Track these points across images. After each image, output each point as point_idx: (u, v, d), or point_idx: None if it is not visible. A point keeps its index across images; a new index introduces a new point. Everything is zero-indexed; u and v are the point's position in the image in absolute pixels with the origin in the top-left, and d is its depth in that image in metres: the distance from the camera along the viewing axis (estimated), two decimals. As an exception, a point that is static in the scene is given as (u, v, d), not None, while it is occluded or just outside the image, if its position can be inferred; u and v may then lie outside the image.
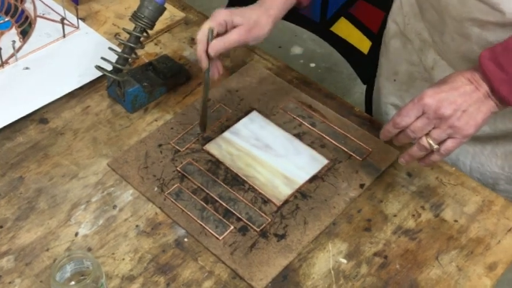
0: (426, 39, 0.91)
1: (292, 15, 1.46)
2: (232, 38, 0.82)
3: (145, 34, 0.89)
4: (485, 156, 0.91)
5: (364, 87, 1.35)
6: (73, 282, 0.69)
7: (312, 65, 2.17)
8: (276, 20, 0.86)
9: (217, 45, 0.82)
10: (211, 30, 0.81)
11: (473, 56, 0.82)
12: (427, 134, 0.72)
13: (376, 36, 1.23)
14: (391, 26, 1.01)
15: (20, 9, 1.07)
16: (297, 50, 2.20)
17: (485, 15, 0.77)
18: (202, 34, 0.82)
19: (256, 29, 0.84)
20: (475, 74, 0.73)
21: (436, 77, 0.91)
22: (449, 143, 0.72)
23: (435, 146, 0.72)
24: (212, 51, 0.82)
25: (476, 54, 0.80)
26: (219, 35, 0.83)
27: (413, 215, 0.82)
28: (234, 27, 0.83)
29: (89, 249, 0.76)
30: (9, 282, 0.73)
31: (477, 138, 0.92)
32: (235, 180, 0.84)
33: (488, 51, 0.72)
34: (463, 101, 0.71)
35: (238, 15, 0.83)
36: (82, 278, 0.70)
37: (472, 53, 0.82)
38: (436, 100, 0.71)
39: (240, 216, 0.80)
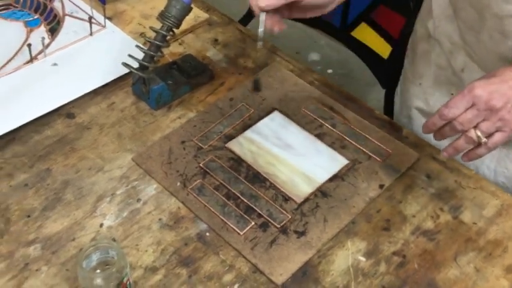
0: (457, 42, 0.91)
1: (312, 20, 1.48)
2: None
3: (171, 33, 0.91)
4: (510, 160, 0.92)
5: (382, 94, 1.36)
6: (98, 271, 0.71)
7: (329, 71, 2.18)
8: None
9: None
10: None
11: (511, 54, 0.82)
12: (475, 127, 0.71)
13: (396, 41, 1.25)
14: (419, 30, 1.01)
15: (48, 7, 1.10)
16: (314, 56, 2.21)
17: None
18: None
19: None
20: None
21: (466, 80, 0.92)
22: (497, 137, 0.71)
23: (483, 139, 0.71)
24: (263, 2, 0.74)
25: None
26: None
27: (432, 217, 0.83)
28: None
29: (113, 240, 0.78)
30: (36, 270, 0.75)
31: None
32: (257, 178, 0.86)
33: None
34: None
35: None
36: (107, 267, 0.71)
37: (510, 51, 0.82)
38: (487, 92, 0.70)
39: (260, 212, 0.82)
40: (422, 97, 1.01)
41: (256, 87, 0.86)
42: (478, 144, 0.72)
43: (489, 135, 0.71)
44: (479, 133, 0.71)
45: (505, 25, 0.81)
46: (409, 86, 1.05)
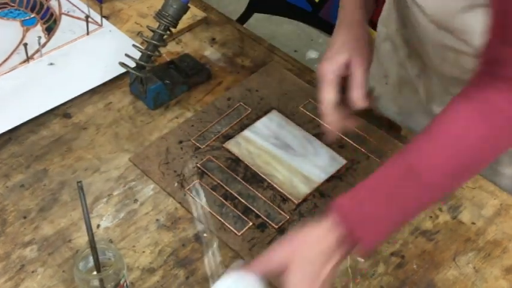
0: (414, 46, 0.91)
1: (311, 18, 1.48)
2: (360, 75, 0.74)
3: (168, 32, 0.91)
4: None
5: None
6: (95, 273, 0.70)
7: (328, 69, 2.17)
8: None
9: (359, 93, 0.74)
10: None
11: (455, 75, 0.82)
12: None
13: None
14: (381, 30, 1.00)
15: (45, 6, 1.09)
16: (312, 54, 2.21)
17: (457, 45, 0.77)
18: (328, 105, 0.75)
19: (364, 48, 0.76)
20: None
21: (424, 85, 0.91)
22: None
23: None
24: (360, 102, 0.74)
25: (455, 74, 0.81)
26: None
27: (431, 217, 0.82)
28: (348, 65, 0.75)
29: (110, 241, 0.77)
30: (32, 271, 0.74)
31: None
32: (254, 178, 0.85)
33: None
34: None
35: (340, 52, 0.75)
36: (104, 268, 0.71)
37: (451, 73, 0.83)
38: None
39: (258, 213, 0.81)
40: (390, 97, 1.00)
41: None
42: None
43: None
44: None
45: (442, 52, 0.80)
46: (376, 85, 1.03)
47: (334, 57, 0.76)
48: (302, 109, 0.95)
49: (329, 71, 0.75)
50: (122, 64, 0.92)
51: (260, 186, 0.84)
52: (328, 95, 0.75)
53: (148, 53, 0.91)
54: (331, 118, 0.76)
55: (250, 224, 0.80)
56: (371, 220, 0.63)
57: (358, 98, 0.75)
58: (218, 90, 0.98)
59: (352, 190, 0.66)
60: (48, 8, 1.08)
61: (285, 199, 0.83)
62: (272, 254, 0.64)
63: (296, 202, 0.83)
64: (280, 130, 0.92)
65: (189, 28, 1.08)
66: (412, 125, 0.96)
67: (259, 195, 0.83)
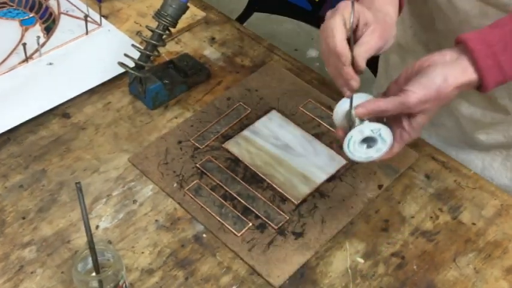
0: (433, 50, 0.91)
1: (311, 17, 1.48)
2: (374, 43, 0.68)
3: (167, 32, 0.91)
4: (495, 170, 0.91)
5: (380, 90, 1.36)
6: (94, 274, 0.70)
7: (328, 68, 2.17)
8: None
9: (363, 55, 0.67)
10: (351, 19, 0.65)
11: None
12: None
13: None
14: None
15: (44, 5, 1.08)
16: (313, 52, 2.20)
17: None
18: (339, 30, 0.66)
19: (388, 26, 0.70)
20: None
21: None
22: None
23: None
24: (360, 62, 0.68)
25: None
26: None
27: (431, 217, 0.82)
28: (365, 25, 0.68)
29: (109, 242, 0.77)
30: (31, 272, 0.74)
31: (488, 149, 0.92)
32: (254, 178, 0.85)
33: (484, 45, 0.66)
34: None
35: (365, 9, 0.68)
36: (103, 270, 0.71)
37: None
38: None
39: (258, 213, 0.81)
40: None
41: None
42: None
43: None
44: None
45: None
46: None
47: (359, 6, 0.68)
48: (302, 109, 0.95)
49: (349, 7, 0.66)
50: (121, 64, 0.92)
51: (260, 186, 0.84)
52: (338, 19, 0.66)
53: (148, 52, 0.90)
54: (342, 42, 0.66)
55: (250, 224, 0.80)
56: (501, 64, 0.66)
57: (360, 56, 0.67)
58: (218, 90, 0.98)
59: (482, 32, 0.67)
60: (47, 8, 1.08)
61: (284, 199, 0.83)
62: (410, 102, 0.66)
63: (296, 202, 0.82)
64: (279, 130, 0.91)
65: (189, 27, 1.08)
66: (424, 135, 0.95)
67: (259, 195, 0.83)
